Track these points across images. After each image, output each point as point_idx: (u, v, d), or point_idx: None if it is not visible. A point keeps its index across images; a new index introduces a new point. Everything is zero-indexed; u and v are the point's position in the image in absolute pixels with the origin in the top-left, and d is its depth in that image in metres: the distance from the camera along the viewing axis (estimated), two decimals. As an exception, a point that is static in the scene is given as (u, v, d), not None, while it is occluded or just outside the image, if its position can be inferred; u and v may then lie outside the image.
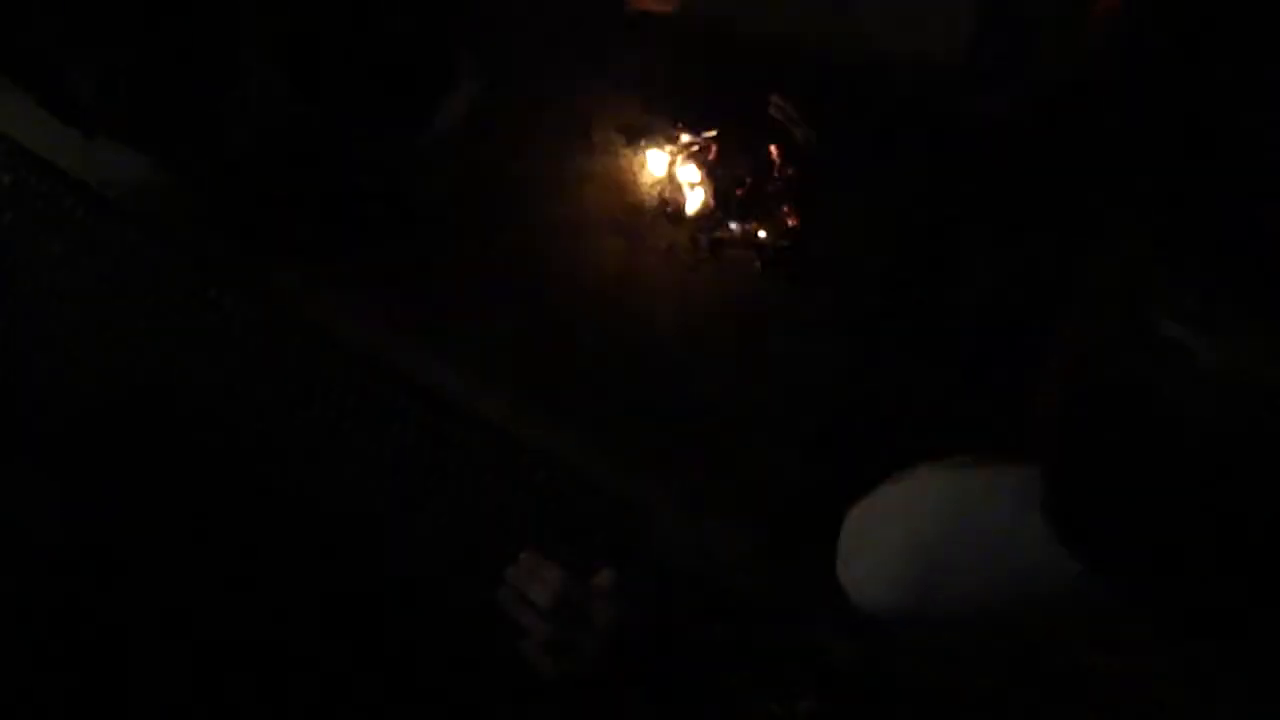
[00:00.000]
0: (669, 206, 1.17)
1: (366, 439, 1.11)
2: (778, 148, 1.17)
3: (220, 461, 1.12)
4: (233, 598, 1.08)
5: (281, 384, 1.13)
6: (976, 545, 0.76)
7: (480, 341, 1.13)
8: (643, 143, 1.19)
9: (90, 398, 1.14)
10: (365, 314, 1.14)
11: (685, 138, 1.18)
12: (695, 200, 1.17)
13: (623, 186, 1.18)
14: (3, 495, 1.10)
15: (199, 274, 1.15)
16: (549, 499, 1.07)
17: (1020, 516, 0.71)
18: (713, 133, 1.18)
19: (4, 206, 1.18)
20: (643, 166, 1.18)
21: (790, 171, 1.17)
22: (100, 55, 0.95)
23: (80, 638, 1.05)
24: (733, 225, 1.16)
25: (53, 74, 1.00)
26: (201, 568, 1.09)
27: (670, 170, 1.18)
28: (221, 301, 1.14)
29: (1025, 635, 0.77)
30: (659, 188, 1.18)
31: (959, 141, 1.14)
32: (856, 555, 0.85)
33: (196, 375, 1.13)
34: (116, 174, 1.17)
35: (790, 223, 1.17)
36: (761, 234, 1.16)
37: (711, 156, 1.18)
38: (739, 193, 1.17)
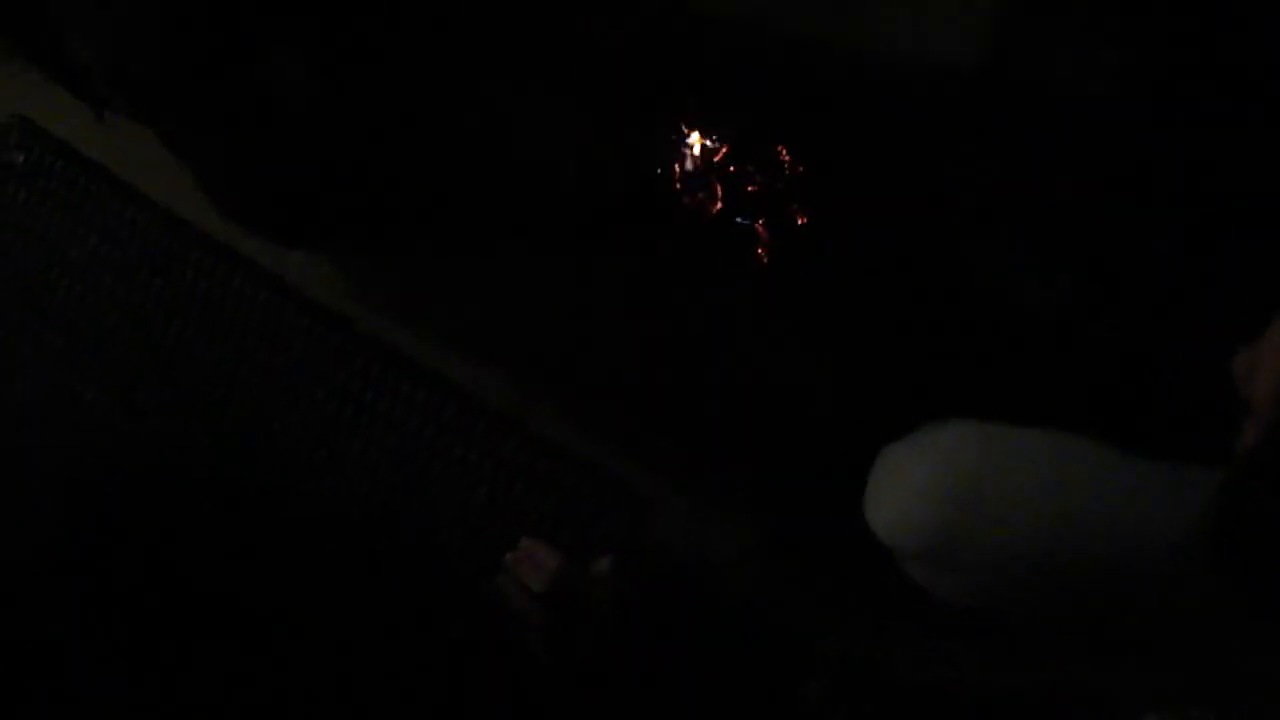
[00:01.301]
0: (679, 202, 1.17)
1: (370, 424, 1.11)
2: (786, 148, 1.18)
3: (223, 443, 1.12)
4: (231, 581, 1.08)
5: (287, 368, 1.13)
6: (1018, 487, 0.75)
7: (487, 330, 1.13)
8: (655, 139, 1.19)
9: (99, 375, 1.14)
10: (374, 299, 1.15)
11: (697, 134, 1.19)
12: (705, 197, 1.17)
13: (634, 182, 1.18)
14: (4, 477, 1.10)
15: (211, 256, 1.16)
16: (551, 486, 1.07)
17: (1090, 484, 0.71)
18: (725, 131, 1.18)
19: (18, 185, 1.18)
20: (654, 162, 1.19)
21: (800, 170, 1.18)
22: (111, 32, 0.95)
23: (85, 616, 1.06)
24: (742, 222, 1.17)
25: (61, 48, 1.01)
26: (199, 551, 1.09)
27: (681, 166, 1.18)
28: (231, 282, 1.15)
29: (1052, 593, 0.76)
30: (670, 183, 1.18)
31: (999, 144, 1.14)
32: (888, 484, 0.84)
33: (204, 357, 1.14)
34: (133, 155, 1.18)
35: (799, 221, 1.17)
36: (769, 232, 1.16)
37: (722, 154, 1.18)
38: (749, 190, 1.17)
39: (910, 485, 0.81)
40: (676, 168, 1.18)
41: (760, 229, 1.17)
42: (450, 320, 1.14)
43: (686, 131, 1.19)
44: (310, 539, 1.10)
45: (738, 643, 0.92)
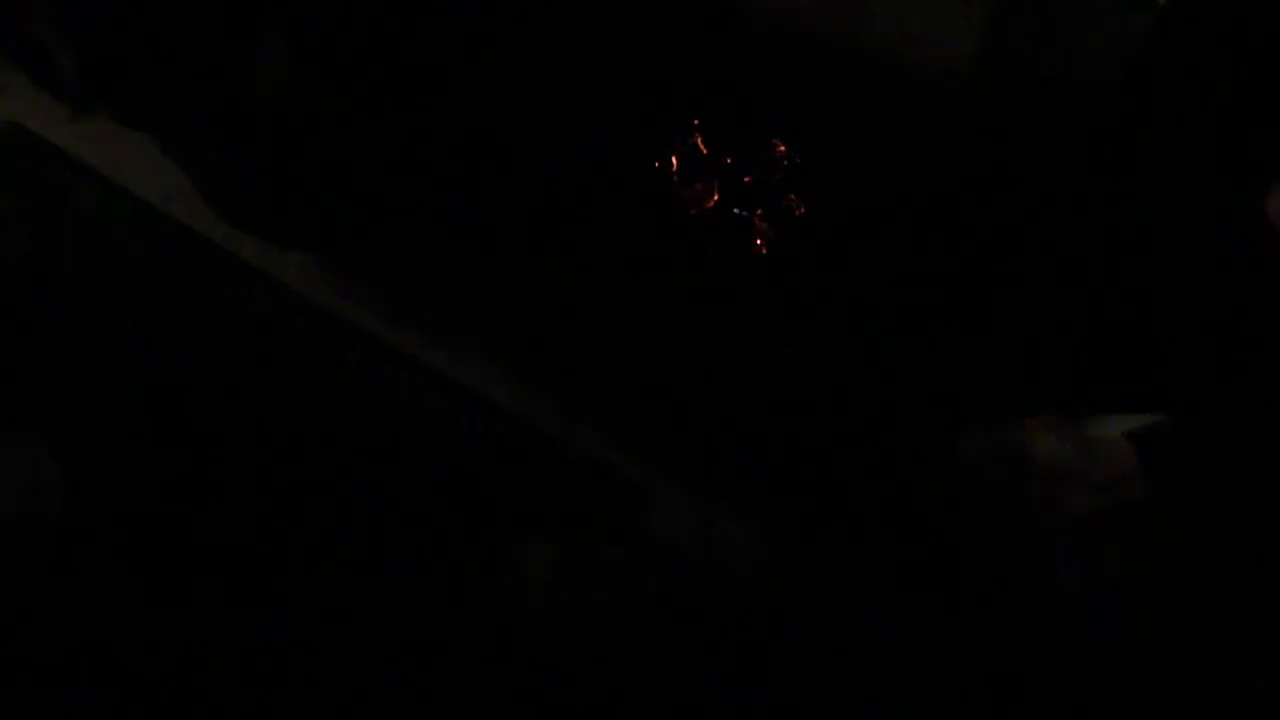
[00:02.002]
0: (677, 195, 1.17)
1: (371, 423, 1.11)
2: (782, 141, 1.18)
3: (223, 444, 1.12)
4: (232, 582, 1.08)
5: (286, 369, 1.13)
6: None
7: (489, 327, 1.13)
8: (654, 132, 1.19)
9: (101, 378, 1.14)
10: (373, 299, 1.14)
11: (695, 127, 1.19)
12: (702, 188, 1.17)
13: (633, 176, 1.18)
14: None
15: (209, 259, 1.16)
16: (556, 483, 1.07)
17: None
18: (721, 124, 1.18)
19: (14, 191, 1.18)
20: (653, 156, 1.18)
21: (798, 162, 1.18)
22: (88, 31, 0.94)
23: (89, 617, 1.06)
24: (740, 213, 1.16)
25: (38, 47, 1.00)
26: (198, 551, 1.09)
27: (678, 159, 1.18)
28: (230, 284, 1.14)
29: None
30: (668, 176, 1.18)
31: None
32: None
33: (204, 358, 1.13)
34: (127, 159, 1.17)
35: (798, 212, 1.17)
36: (768, 223, 1.16)
37: (718, 147, 1.18)
38: (746, 180, 1.17)
39: None
40: (674, 160, 1.17)
41: (758, 220, 1.16)
42: (451, 318, 1.13)
43: (683, 125, 1.19)
44: (313, 536, 1.10)
45: (744, 633, 0.92)
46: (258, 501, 1.09)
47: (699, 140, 1.19)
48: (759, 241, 1.16)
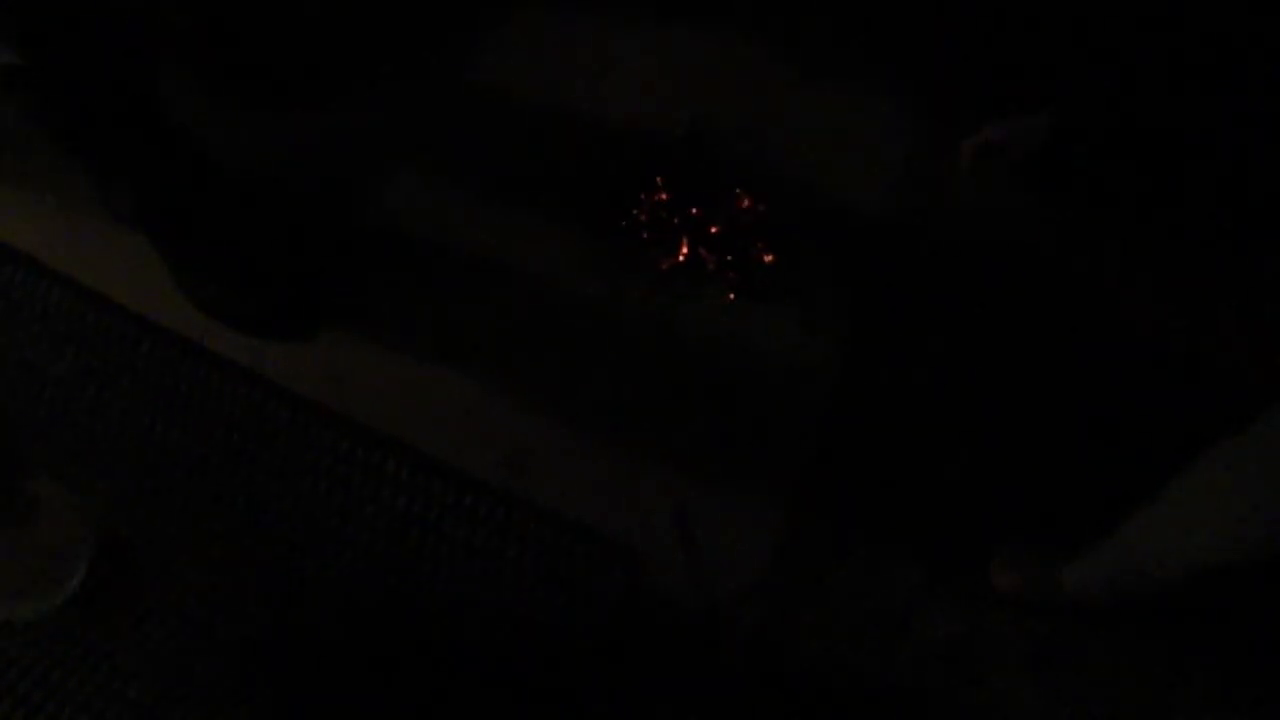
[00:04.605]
0: (646, 249, 1.19)
1: (360, 508, 1.10)
2: (744, 192, 1.20)
3: (217, 539, 1.10)
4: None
5: (274, 460, 1.12)
6: None
7: (472, 403, 1.13)
8: (622, 186, 1.21)
9: (92, 483, 1.13)
10: (353, 385, 1.14)
11: (663, 180, 1.21)
12: (672, 239, 1.19)
13: (602, 229, 1.19)
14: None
15: (189, 357, 1.16)
16: (546, 550, 1.06)
17: None
18: (684, 180, 1.20)
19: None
20: (621, 209, 1.20)
21: (761, 211, 1.20)
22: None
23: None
24: (708, 263, 1.18)
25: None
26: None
27: (644, 214, 1.19)
28: (211, 381, 1.14)
29: None
30: (637, 229, 1.19)
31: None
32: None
33: (191, 456, 1.12)
34: (99, 262, 1.18)
35: (766, 258, 1.18)
36: (737, 270, 1.17)
37: (683, 200, 1.20)
38: (713, 230, 1.19)
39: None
40: (641, 215, 1.19)
41: (727, 269, 1.18)
42: (434, 398, 1.13)
43: (649, 181, 1.21)
44: (308, 625, 1.08)
45: (741, 683, 0.91)
46: (254, 596, 1.08)
47: (662, 195, 1.21)
48: (729, 290, 1.17)
